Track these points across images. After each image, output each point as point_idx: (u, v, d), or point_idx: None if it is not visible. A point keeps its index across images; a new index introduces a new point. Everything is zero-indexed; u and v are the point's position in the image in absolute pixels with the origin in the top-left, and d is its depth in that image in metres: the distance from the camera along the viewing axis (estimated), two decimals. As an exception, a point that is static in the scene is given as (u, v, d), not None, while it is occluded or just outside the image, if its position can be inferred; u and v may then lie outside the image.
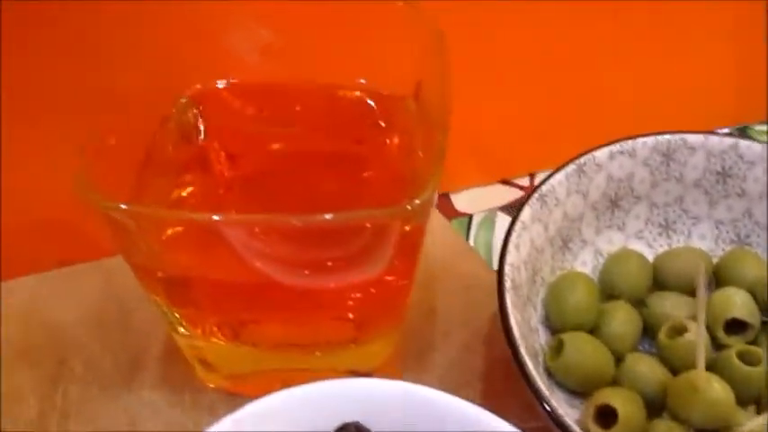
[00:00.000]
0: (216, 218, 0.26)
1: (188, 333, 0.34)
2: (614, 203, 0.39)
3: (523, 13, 0.48)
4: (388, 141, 0.36)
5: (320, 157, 0.36)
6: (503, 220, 0.46)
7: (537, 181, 0.48)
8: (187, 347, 0.35)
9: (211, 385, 0.37)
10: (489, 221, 0.46)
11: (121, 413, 0.36)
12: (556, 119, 0.48)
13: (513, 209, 0.46)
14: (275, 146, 0.36)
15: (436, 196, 0.27)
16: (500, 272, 0.33)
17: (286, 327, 0.35)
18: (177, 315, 0.33)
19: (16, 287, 0.41)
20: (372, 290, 0.32)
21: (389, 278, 0.31)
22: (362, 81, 0.35)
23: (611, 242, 0.40)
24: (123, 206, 0.26)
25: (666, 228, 0.40)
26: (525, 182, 0.48)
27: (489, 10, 0.46)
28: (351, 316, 0.35)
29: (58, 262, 0.42)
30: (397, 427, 0.28)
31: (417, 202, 0.26)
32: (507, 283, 0.32)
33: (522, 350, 0.30)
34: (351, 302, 0.34)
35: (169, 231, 0.29)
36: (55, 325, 0.39)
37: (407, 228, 0.28)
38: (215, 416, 0.36)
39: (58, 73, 0.38)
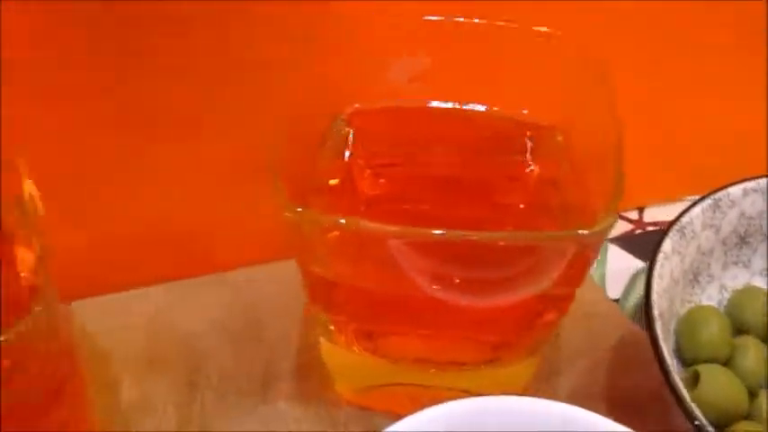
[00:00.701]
0: (399, 230, 0.27)
1: (334, 341, 0.35)
2: (743, 240, 0.39)
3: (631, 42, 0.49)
4: (530, 170, 0.37)
5: (460, 182, 0.37)
6: (614, 252, 0.47)
7: (645, 215, 0.49)
8: (329, 356, 0.36)
9: (344, 396, 0.38)
10: (602, 253, 0.46)
11: (259, 424, 0.37)
12: (665, 153, 0.49)
13: (625, 241, 0.47)
14: (418, 168, 0.37)
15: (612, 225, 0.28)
16: (648, 301, 0.33)
17: (425, 342, 0.35)
18: (330, 322, 0.34)
19: (144, 296, 0.42)
20: (524, 312, 0.33)
21: (548, 299, 0.32)
22: (510, 109, 0.36)
23: (736, 278, 0.40)
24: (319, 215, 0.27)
25: (791, 267, 0.41)
26: (634, 215, 0.49)
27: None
28: (490, 338, 0.36)
29: (181, 273, 0.43)
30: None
31: (596, 228, 0.27)
32: (656, 312, 0.33)
33: (676, 378, 0.31)
34: (495, 323, 0.34)
35: (336, 237, 0.30)
36: (185, 335, 0.40)
37: (574, 254, 0.29)
38: (349, 430, 0.37)
39: (216, 90, 0.40)
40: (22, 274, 0.32)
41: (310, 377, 0.39)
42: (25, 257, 0.33)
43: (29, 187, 0.28)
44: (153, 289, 0.43)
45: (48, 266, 0.25)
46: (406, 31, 0.35)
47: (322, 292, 0.33)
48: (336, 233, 0.29)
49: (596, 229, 0.27)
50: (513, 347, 0.35)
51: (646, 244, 0.45)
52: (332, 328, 0.34)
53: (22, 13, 0.35)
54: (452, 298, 0.32)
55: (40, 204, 0.27)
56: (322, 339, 0.35)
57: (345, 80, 0.34)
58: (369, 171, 0.37)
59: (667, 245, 0.35)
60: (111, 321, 0.40)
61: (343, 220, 0.28)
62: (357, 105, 0.36)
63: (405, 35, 0.35)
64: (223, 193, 0.43)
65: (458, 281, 0.31)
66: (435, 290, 0.31)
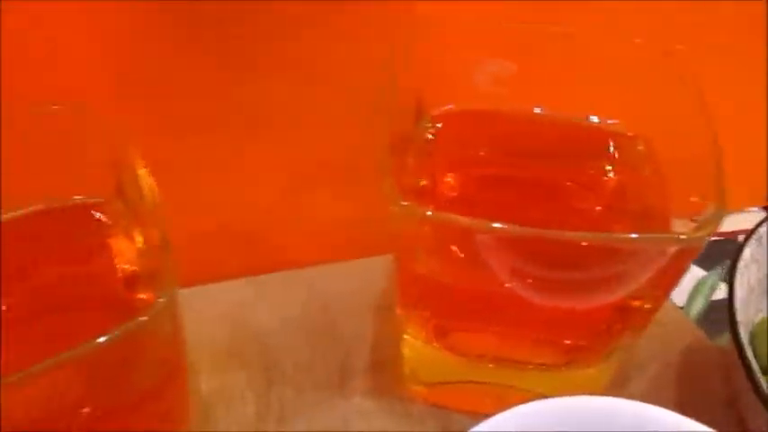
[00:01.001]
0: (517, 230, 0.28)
1: (417, 336, 0.36)
2: (815, 251, 0.40)
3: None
4: (609, 177, 0.37)
5: (540, 185, 0.38)
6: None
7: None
8: (411, 351, 0.37)
9: (419, 393, 0.38)
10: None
11: (336, 417, 0.37)
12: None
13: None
14: (499, 170, 0.38)
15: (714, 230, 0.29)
16: (731, 309, 0.34)
17: (503, 341, 0.36)
18: (416, 318, 0.35)
19: (226, 290, 0.43)
20: (608, 316, 0.34)
21: (635, 304, 0.32)
22: (595, 117, 0.37)
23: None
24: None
25: None
26: (695, 224, 0.49)
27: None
28: (568, 341, 0.36)
29: (259, 269, 0.44)
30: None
31: (700, 234, 0.28)
32: (740, 319, 0.33)
33: (764, 384, 0.31)
34: (577, 326, 0.35)
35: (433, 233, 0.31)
36: (262, 328, 0.41)
37: (669, 260, 0.30)
38: (425, 426, 0.38)
39: (308, 91, 0.41)
40: (120, 266, 0.33)
41: (385, 374, 0.39)
42: (123, 248, 0.34)
43: (146, 179, 0.28)
44: (233, 283, 0.43)
45: (169, 255, 0.26)
46: (495, 35, 0.36)
47: (413, 288, 0.33)
48: (434, 229, 0.30)
49: (700, 234, 0.27)
50: (592, 351, 0.36)
51: (707, 253, 0.46)
52: (416, 323, 0.35)
53: (136, 12, 0.36)
54: (543, 299, 0.32)
55: (157, 194, 0.28)
56: (405, 335, 0.36)
57: (434, 82, 0.35)
58: (451, 173, 0.37)
59: (747, 253, 0.36)
60: (192, 313, 0.41)
61: (444, 216, 0.28)
62: (447, 107, 0.36)
63: (493, 39, 0.36)
64: (305, 191, 0.44)
65: (551, 282, 0.32)
66: (524, 288, 0.32)
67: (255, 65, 0.39)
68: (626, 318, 0.34)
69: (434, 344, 0.36)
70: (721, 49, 0.48)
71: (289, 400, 0.38)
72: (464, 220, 0.28)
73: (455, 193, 0.37)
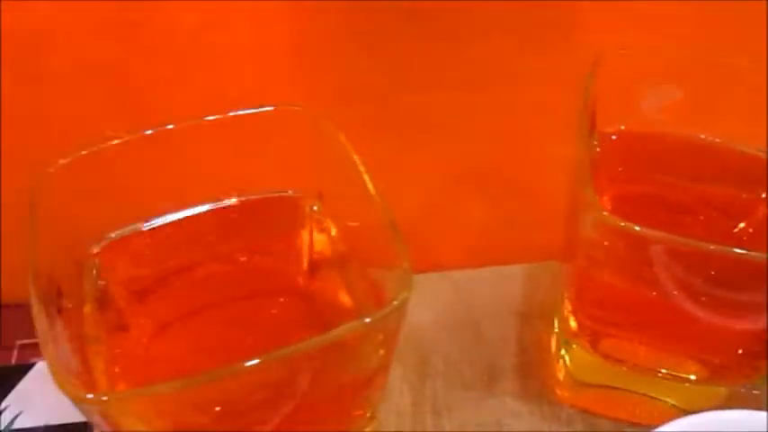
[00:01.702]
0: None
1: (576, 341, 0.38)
2: None
3: None
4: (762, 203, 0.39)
5: (692, 209, 0.40)
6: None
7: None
8: (570, 355, 0.39)
9: (566, 397, 0.40)
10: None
11: (488, 415, 0.40)
12: None
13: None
14: (653, 189, 0.40)
15: None
16: None
17: (657, 352, 0.38)
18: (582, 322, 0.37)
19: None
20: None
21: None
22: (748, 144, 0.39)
23: None
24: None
25: None
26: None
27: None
28: (714, 359, 0.38)
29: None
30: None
31: None
32: None
33: None
34: (727, 344, 0.37)
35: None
36: (414, 325, 0.44)
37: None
38: (572, 427, 0.40)
39: (465, 99, 0.43)
40: (306, 255, 0.36)
41: (531, 378, 0.41)
42: (315, 239, 0.36)
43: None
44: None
45: (402, 241, 0.29)
46: (669, 63, 0.38)
47: (586, 293, 0.36)
48: (623, 238, 0.32)
49: None
50: (736, 370, 0.38)
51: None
52: (579, 329, 0.37)
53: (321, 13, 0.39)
54: (704, 313, 0.34)
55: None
56: (567, 339, 0.38)
57: (609, 101, 0.37)
58: (609, 188, 0.39)
59: None
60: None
61: (642, 229, 0.30)
62: (618, 127, 0.39)
63: (668, 67, 0.38)
64: (457, 196, 0.46)
65: (714, 297, 0.33)
66: (689, 301, 0.34)
67: (425, 72, 0.41)
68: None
69: (591, 349, 0.38)
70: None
71: (441, 394, 0.41)
72: (660, 235, 0.30)
73: (610, 207, 0.39)
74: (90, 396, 0.24)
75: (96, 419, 0.26)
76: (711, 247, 0.30)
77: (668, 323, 0.36)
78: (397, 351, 0.42)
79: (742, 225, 0.39)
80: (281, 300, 0.36)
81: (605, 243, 0.32)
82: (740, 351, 0.37)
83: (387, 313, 0.26)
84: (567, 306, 0.39)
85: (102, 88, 0.41)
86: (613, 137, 0.39)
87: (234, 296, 0.36)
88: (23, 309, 0.34)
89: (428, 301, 0.44)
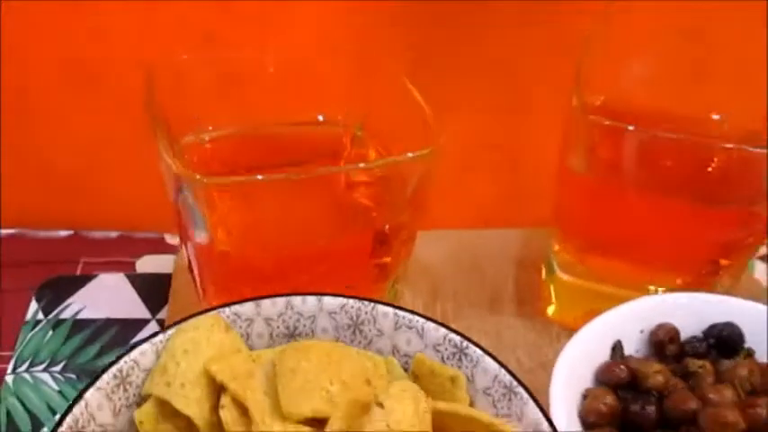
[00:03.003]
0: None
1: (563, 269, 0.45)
2: None
3: None
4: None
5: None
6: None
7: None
8: (556, 284, 0.46)
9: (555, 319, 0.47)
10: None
11: (490, 326, 0.47)
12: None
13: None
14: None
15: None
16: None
17: (634, 266, 0.45)
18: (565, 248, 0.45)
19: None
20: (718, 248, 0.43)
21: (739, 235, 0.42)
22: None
23: None
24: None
25: None
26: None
27: None
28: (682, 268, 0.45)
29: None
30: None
31: None
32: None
33: None
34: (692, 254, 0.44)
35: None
36: (425, 264, 0.51)
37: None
38: (560, 341, 0.46)
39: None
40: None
41: (526, 305, 0.49)
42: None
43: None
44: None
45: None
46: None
47: (571, 221, 0.43)
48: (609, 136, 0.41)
49: None
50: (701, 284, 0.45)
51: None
52: (565, 252, 0.45)
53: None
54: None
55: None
56: (555, 267, 0.46)
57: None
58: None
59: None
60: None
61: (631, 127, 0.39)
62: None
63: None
64: (464, 169, 0.55)
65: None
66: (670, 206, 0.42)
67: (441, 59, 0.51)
68: (730, 251, 0.43)
69: (575, 277, 0.46)
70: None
71: (450, 311, 0.47)
72: (643, 130, 0.38)
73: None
74: (198, 177, 0.31)
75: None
76: (692, 139, 0.39)
77: (645, 237, 0.43)
78: (411, 282, 0.49)
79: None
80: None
81: (591, 149, 0.41)
82: (707, 263, 0.44)
83: (422, 154, 0.34)
84: (556, 241, 0.47)
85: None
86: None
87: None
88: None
89: (437, 250, 0.52)
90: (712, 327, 0.39)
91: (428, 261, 0.51)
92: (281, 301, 0.35)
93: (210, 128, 0.42)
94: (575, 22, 0.49)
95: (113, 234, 0.55)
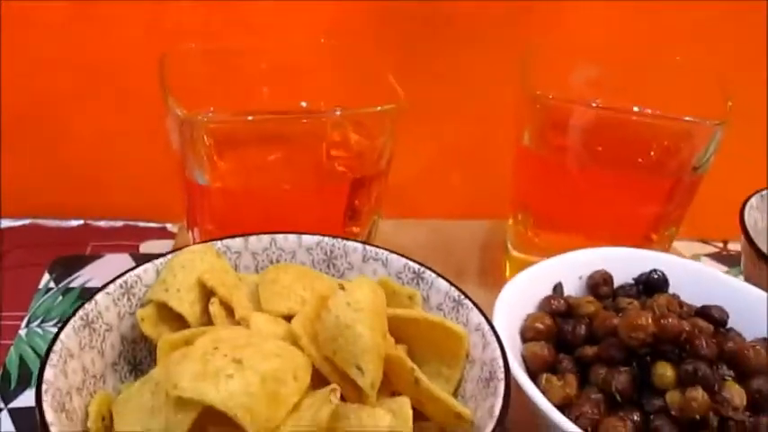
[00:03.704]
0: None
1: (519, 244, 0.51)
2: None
3: None
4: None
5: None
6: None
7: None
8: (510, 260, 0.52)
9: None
10: (699, 257, 0.61)
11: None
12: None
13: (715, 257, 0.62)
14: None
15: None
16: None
17: (577, 239, 0.50)
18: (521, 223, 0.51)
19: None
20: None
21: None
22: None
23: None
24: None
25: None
26: (720, 245, 0.64)
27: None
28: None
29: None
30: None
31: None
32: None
33: None
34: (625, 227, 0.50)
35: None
36: (398, 245, 0.56)
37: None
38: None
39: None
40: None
41: (488, 275, 0.54)
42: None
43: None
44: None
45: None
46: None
47: (526, 198, 0.50)
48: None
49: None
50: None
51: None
52: (518, 229, 0.51)
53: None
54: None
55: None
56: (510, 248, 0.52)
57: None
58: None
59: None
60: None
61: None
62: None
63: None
64: (440, 167, 0.61)
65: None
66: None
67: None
68: (659, 224, 0.49)
69: (527, 250, 0.52)
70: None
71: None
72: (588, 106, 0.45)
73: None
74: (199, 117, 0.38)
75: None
76: (633, 111, 0.45)
77: (588, 211, 0.49)
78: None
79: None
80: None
81: (539, 127, 0.47)
82: (641, 238, 0.50)
83: (388, 108, 0.41)
84: (512, 217, 0.53)
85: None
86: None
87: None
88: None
89: (410, 235, 0.58)
90: (642, 274, 0.44)
91: (403, 244, 0.57)
92: (266, 237, 0.41)
93: (212, 109, 0.48)
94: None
95: (119, 223, 0.61)
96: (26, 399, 0.44)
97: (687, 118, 0.45)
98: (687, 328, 0.36)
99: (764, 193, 0.53)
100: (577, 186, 0.49)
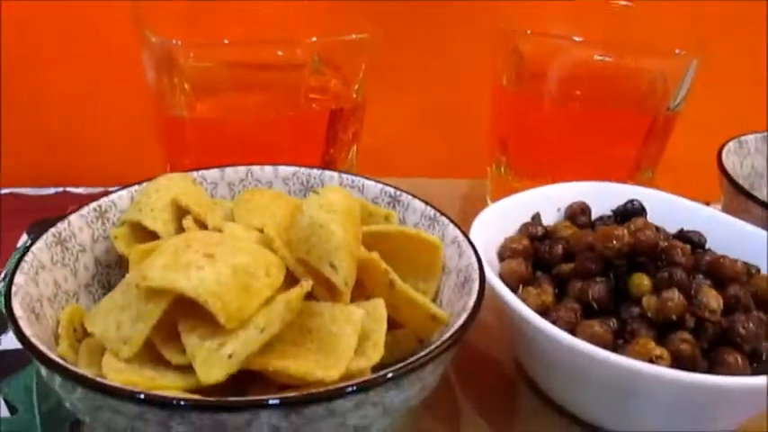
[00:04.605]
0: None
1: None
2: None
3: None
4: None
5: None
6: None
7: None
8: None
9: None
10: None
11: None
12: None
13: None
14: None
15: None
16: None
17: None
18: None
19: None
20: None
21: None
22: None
23: None
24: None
25: None
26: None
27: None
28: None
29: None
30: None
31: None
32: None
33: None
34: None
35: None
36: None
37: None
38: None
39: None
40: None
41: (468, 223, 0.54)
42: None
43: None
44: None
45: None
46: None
47: (506, 146, 0.50)
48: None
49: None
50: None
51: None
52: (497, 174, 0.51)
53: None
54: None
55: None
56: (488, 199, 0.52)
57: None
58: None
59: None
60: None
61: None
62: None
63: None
64: (418, 129, 0.62)
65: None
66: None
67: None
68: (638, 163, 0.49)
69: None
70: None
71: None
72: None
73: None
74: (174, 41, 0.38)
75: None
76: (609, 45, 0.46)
77: (568, 150, 0.50)
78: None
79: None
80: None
81: (517, 65, 0.47)
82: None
83: (363, 37, 0.41)
84: (493, 168, 0.53)
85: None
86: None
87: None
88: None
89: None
90: (620, 206, 0.44)
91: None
92: (242, 169, 0.40)
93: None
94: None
95: (98, 189, 0.61)
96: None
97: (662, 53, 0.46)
98: (664, 243, 0.37)
99: (743, 138, 0.53)
100: (555, 126, 0.49)
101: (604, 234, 0.36)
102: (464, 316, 0.30)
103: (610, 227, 0.37)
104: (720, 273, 0.36)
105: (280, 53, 0.49)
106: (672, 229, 0.42)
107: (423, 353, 0.27)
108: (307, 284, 0.28)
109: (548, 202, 0.44)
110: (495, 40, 0.49)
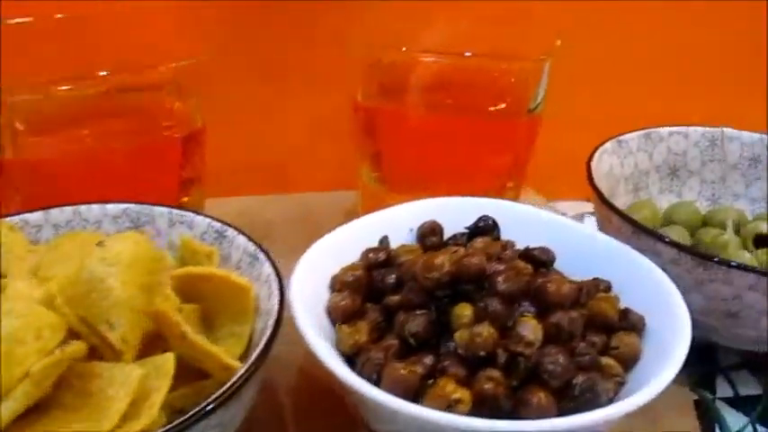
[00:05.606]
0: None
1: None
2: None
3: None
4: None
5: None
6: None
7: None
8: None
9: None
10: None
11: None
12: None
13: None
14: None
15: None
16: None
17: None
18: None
19: (245, 201, 0.58)
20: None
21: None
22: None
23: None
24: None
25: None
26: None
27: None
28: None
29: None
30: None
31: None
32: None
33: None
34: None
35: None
36: (266, 219, 0.55)
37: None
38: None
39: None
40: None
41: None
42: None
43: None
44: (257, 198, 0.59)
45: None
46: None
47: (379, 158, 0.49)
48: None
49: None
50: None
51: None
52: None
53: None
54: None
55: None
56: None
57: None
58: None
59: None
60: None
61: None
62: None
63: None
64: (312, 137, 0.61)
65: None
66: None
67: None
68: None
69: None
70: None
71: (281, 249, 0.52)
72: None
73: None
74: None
75: None
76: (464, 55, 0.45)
77: (433, 162, 0.48)
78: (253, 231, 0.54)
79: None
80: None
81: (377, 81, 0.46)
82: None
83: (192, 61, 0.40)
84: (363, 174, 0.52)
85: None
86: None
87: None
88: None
89: (277, 209, 0.57)
90: (472, 223, 0.43)
91: (270, 218, 0.56)
92: (68, 209, 0.39)
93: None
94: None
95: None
96: None
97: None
98: (490, 268, 0.35)
99: (622, 138, 0.52)
100: (421, 138, 0.48)
101: (425, 264, 0.35)
102: (241, 371, 0.29)
103: (432, 255, 0.35)
104: (544, 298, 0.34)
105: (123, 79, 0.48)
106: (526, 242, 0.41)
107: (182, 418, 0.27)
108: (60, 352, 0.27)
109: (399, 221, 0.43)
110: (357, 54, 0.47)
